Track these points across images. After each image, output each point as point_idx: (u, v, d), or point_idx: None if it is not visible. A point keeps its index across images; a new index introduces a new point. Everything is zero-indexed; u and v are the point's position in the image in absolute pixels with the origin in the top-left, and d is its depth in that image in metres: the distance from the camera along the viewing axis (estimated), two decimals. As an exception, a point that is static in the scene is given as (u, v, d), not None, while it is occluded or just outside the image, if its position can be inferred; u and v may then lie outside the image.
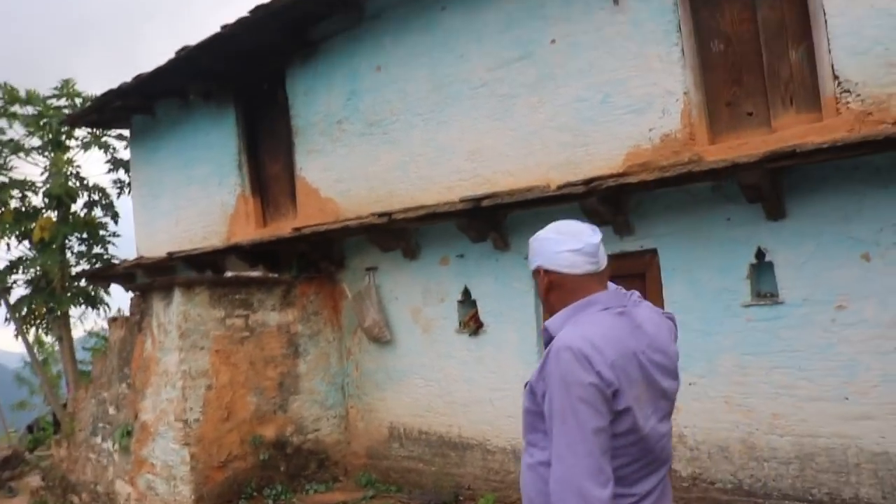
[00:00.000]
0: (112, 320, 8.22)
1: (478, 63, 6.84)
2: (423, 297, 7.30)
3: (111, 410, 7.95)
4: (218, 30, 8.02)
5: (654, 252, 5.84)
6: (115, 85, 9.59)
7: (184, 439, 6.86)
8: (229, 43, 8.16)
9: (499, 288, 6.70)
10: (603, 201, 5.59)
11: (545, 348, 2.23)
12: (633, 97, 5.89)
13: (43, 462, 9.53)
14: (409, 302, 7.44)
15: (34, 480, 9.73)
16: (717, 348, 5.45)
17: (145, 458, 7.32)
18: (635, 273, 6.03)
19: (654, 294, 5.85)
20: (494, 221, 6.51)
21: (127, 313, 8.14)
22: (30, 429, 15.12)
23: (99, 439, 8.14)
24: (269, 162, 9.35)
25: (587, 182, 5.45)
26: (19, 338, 13.09)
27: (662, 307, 5.73)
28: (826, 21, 4.99)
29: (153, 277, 9.37)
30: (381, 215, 6.87)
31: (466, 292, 6.96)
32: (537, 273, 2.37)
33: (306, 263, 8.17)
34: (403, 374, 7.53)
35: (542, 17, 6.42)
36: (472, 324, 6.85)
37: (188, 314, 7.02)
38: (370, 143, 7.77)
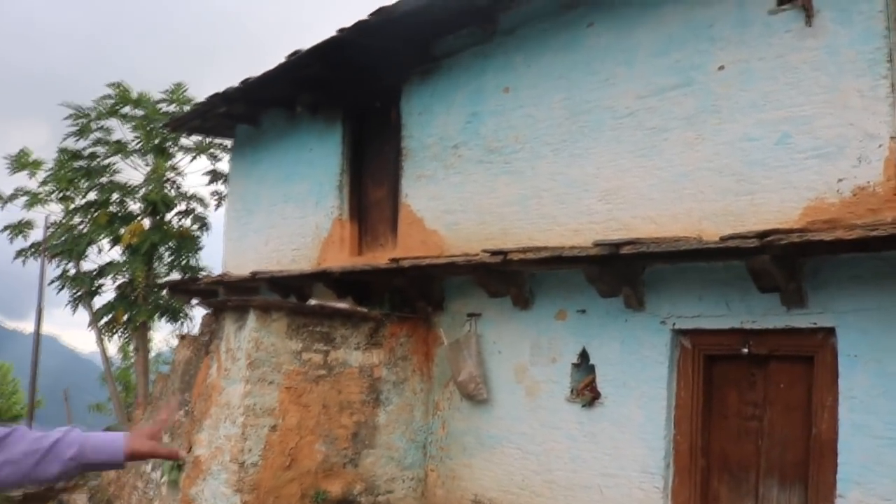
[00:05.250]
0: (181, 338, 7.49)
1: (625, 89, 5.85)
2: (532, 355, 6.25)
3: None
4: (333, 34, 7.30)
5: (830, 331, 4.65)
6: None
7: (237, 484, 5.97)
8: (343, 50, 7.44)
9: (625, 354, 5.60)
10: (776, 262, 4.47)
11: None
12: (819, 139, 4.77)
13: (92, 481, 8.83)
14: (513, 358, 6.40)
15: (80, 499, 9.04)
16: (912, 466, 4.21)
17: (193, 499, 6.46)
18: (800, 355, 4.87)
19: (823, 384, 4.67)
20: (629, 274, 5.44)
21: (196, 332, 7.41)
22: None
23: (149, 468, 7.36)
24: (372, 186, 8.56)
25: (761, 235, 4.34)
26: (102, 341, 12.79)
27: (835, 400, 4.58)
28: None
29: (231, 296, 8.66)
30: (494, 253, 5.87)
31: (584, 355, 5.88)
32: None
33: (400, 301, 7.25)
34: (497, 441, 6.47)
35: (709, 39, 5.39)
36: (588, 393, 5.76)
37: (261, 342, 6.17)
38: (488, 173, 6.85)
